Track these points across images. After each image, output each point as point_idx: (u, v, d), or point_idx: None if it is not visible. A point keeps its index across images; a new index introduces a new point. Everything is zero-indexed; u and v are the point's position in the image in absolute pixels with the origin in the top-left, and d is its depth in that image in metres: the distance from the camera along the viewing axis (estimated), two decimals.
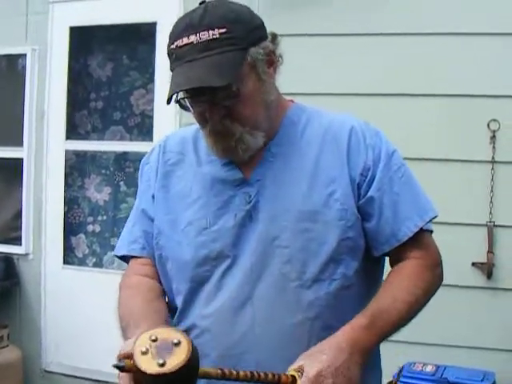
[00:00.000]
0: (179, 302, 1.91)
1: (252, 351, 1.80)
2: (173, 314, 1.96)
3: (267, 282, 1.81)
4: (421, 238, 1.89)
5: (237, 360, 1.79)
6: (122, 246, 2.05)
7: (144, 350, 1.49)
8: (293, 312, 1.80)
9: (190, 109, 1.80)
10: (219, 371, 1.58)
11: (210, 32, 1.71)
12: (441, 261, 1.94)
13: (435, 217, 1.92)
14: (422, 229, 1.88)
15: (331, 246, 1.81)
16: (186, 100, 1.78)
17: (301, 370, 1.61)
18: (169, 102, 1.75)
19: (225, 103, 1.75)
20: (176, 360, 1.49)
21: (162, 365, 1.48)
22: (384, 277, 1.96)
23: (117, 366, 1.52)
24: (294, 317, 1.80)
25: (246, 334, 1.80)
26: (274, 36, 1.85)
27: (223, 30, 1.72)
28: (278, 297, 1.80)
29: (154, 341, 1.50)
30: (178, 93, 1.75)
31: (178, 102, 1.78)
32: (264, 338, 1.79)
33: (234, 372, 1.59)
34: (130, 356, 1.52)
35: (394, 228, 1.85)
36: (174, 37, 1.77)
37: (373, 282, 1.93)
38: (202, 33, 1.71)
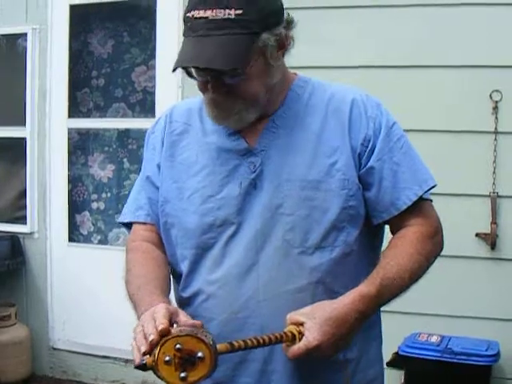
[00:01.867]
0: (184, 267, 1.95)
1: (256, 315, 1.84)
2: (174, 279, 2.00)
3: (271, 248, 1.84)
4: (420, 207, 1.92)
5: (241, 324, 1.84)
6: (127, 213, 2.09)
7: (167, 359, 1.52)
8: (296, 277, 1.84)
9: (193, 76, 1.82)
10: (228, 346, 1.61)
11: (227, 11, 1.71)
12: (441, 229, 1.96)
13: (434, 186, 1.95)
14: (421, 198, 1.91)
15: (333, 214, 1.84)
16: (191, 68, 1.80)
17: (301, 331, 1.67)
18: (174, 70, 1.77)
19: (228, 81, 1.77)
20: (198, 375, 1.54)
21: (184, 378, 1.52)
22: (384, 245, 2.00)
23: (138, 366, 1.54)
24: (297, 282, 1.84)
25: (250, 298, 1.84)
26: (290, 21, 1.86)
27: (239, 12, 1.72)
28: (282, 263, 1.84)
29: (179, 350, 1.52)
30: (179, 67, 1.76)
31: (183, 68, 1.79)
32: (268, 302, 1.83)
33: (242, 342, 1.63)
34: (151, 350, 1.55)
35: (393, 197, 1.88)
36: (192, 5, 1.77)
37: (372, 249, 1.98)
38: (218, 10, 1.71)
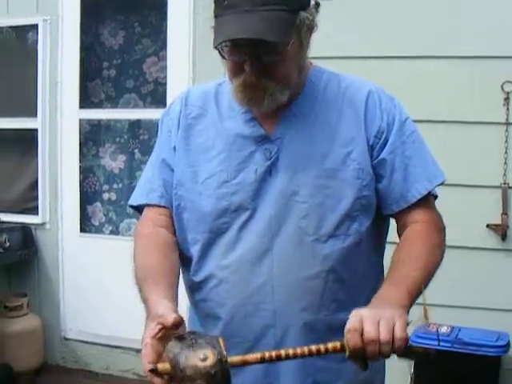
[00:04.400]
0: (195, 252, 1.95)
1: (268, 301, 1.85)
2: (186, 264, 1.98)
3: (285, 235, 1.86)
4: (428, 203, 1.94)
5: (253, 310, 1.86)
6: (139, 195, 2.06)
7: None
8: (309, 265, 1.85)
9: (226, 57, 1.81)
10: (259, 357, 1.57)
11: None
12: (444, 227, 1.97)
13: (443, 182, 1.97)
14: (429, 193, 1.93)
15: (347, 203, 1.86)
16: (223, 48, 1.78)
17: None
18: (216, 46, 1.76)
19: (266, 60, 1.77)
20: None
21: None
22: (388, 236, 2.04)
23: (152, 370, 1.52)
24: (311, 269, 1.85)
25: (263, 284, 1.85)
26: (317, 4, 1.87)
27: None
28: (296, 250, 1.85)
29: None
30: (225, 41, 1.75)
31: (216, 47, 1.78)
32: (281, 288, 1.85)
33: (274, 354, 1.57)
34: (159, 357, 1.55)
35: (403, 190, 1.90)
36: None
37: (379, 239, 2.00)
38: None
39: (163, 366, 1.52)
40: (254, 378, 1.90)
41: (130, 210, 4.93)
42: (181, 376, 1.50)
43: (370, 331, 1.56)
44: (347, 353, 1.59)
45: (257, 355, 1.57)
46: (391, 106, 1.94)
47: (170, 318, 1.56)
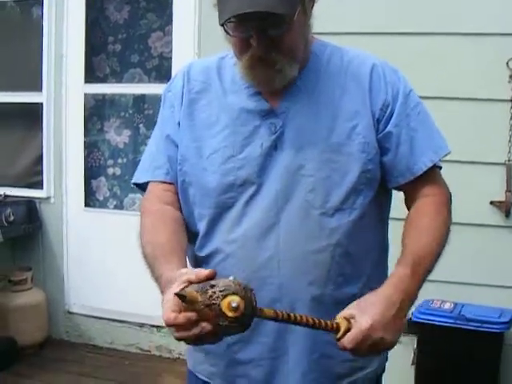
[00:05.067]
0: (201, 226, 1.95)
1: (275, 275, 1.86)
2: (191, 239, 1.98)
3: (292, 208, 1.86)
4: (434, 174, 1.95)
5: (260, 284, 1.84)
6: (144, 172, 2.06)
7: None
8: (316, 238, 1.85)
9: (231, 34, 1.78)
10: (272, 312, 1.60)
11: None
12: (451, 196, 1.98)
13: (448, 153, 1.97)
14: (434, 165, 1.94)
15: (353, 177, 1.86)
16: (228, 24, 1.76)
17: (351, 319, 1.66)
18: (223, 22, 1.74)
19: (273, 32, 1.75)
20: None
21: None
22: (391, 210, 2.05)
23: (179, 295, 1.50)
24: (317, 243, 1.85)
25: (270, 258, 1.86)
26: None
27: None
28: (302, 223, 1.85)
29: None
30: (232, 17, 1.72)
31: (222, 24, 1.75)
32: (288, 262, 1.85)
33: (286, 314, 1.61)
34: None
35: (409, 162, 1.91)
36: None
37: (383, 212, 2.02)
38: None
39: (191, 292, 1.51)
40: (262, 350, 1.91)
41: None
42: (210, 294, 1.50)
43: (368, 350, 1.66)
44: (337, 337, 1.66)
45: (271, 311, 1.59)
46: (395, 79, 1.94)
47: (205, 271, 1.57)
